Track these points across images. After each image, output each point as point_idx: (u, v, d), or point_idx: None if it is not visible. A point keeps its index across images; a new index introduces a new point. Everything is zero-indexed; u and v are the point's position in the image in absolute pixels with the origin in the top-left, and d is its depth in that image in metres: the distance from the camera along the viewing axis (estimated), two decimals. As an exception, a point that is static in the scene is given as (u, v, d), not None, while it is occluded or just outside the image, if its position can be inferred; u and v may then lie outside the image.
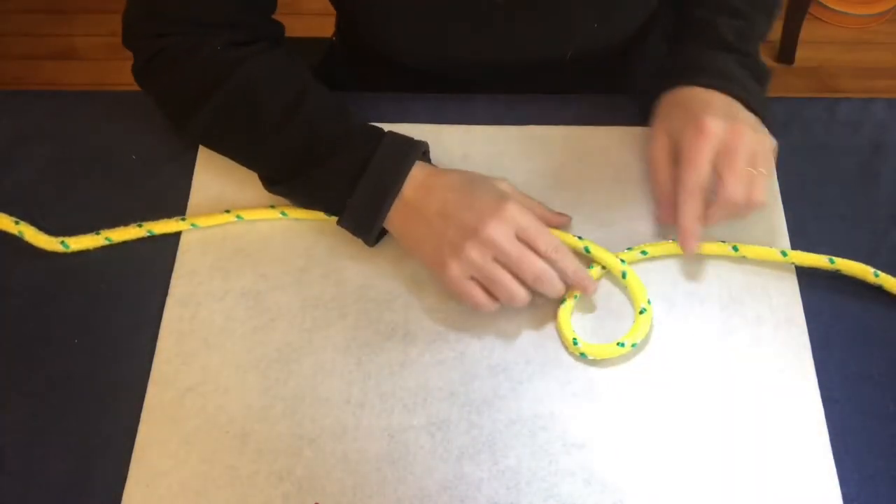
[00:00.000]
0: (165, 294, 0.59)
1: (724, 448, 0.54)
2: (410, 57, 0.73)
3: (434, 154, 0.65)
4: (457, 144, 0.66)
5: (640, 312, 0.57)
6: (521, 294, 0.55)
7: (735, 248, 0.60)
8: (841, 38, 1.79)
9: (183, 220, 0.62)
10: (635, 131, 0.66)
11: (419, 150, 0.58)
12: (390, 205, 0.56)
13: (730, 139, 0.56)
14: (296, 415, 0.55)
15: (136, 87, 0.65)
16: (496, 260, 0.54)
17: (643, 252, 0.60)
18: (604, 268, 0.60)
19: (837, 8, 1.77)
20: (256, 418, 0.55)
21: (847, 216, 0.63)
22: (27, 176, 0.65)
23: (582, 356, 0.56)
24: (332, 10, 0.87)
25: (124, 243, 0.62)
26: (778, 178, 0.65)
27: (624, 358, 0.57)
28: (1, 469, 0.53)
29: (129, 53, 0.63)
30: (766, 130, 0.59)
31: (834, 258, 0.59)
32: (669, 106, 0.62)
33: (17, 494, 0.52)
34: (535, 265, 0.54)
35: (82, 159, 0.66)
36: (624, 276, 0.58)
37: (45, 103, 0.70)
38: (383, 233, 0.59)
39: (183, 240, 0.62)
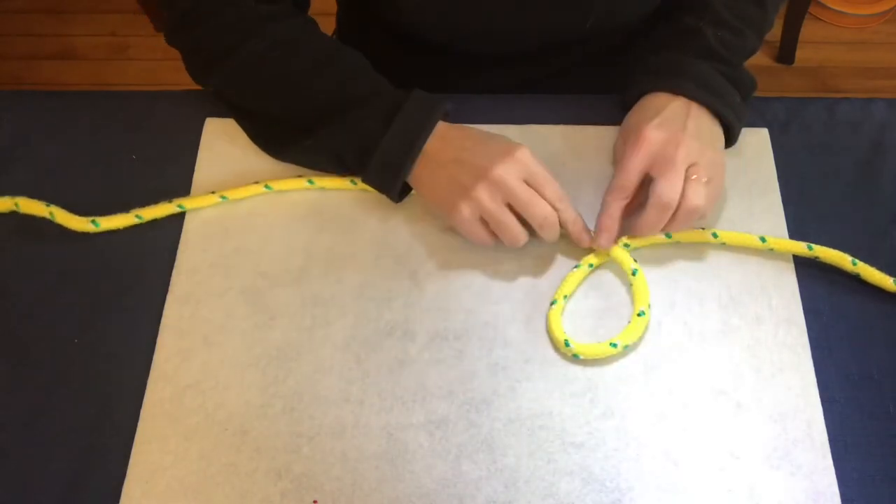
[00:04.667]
0: (165, 292, 0.59)
1: (723, 448, 0.54)
2: (424, 27, 0.71)
3: (434, 153, 0.65)
4: (457, 143, 0.66)
5: (639, 315, 0.57)
6: (524, 237, 0.58)
7: (715, 235, 0.60)
8: (841, 38, 1.79)
9: (213, 193, 0.63)
10: (635, 131, 0.66)
11: (446, 102, 0.60)
12: (421, 147, 0.58)
13: (667, 149, 0.58)
14: (295, 412, 0.55)
15: (136, 87, 0.65)
16: (505, 203, 0.57)
17: (625, 245, 0.60)
18: (592, 265, 0.60)
19: (837, 8, 1.77)
20: (255, 416, 0.55)
21: (847, 216, 0.63)
22: (27, 176, 0.65)
23: (575, 357, 0.56)
24: (332, 9, 0.87)
25: (125, 242, 0.62)
26: (778, 178, 0.65)
27: (623, 357, 0.57)
28: (1, 466, 0.53)
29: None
30: (718, 144, 0.61)
31: (812, 245, 0.59)
32: (635, 109, 0.64)
33: (17, 490, 0.52)
34: (542, 209, 0.57)
35: (82, 159, 0.66)
36: (634, 273, 0.59)
37: (45, 103, 0.70)
38: (406, 190, 0.61)
39: (183, 237, 0.62)
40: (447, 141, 0.59)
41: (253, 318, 0.58)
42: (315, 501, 0.52)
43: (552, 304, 0.58)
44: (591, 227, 0.62)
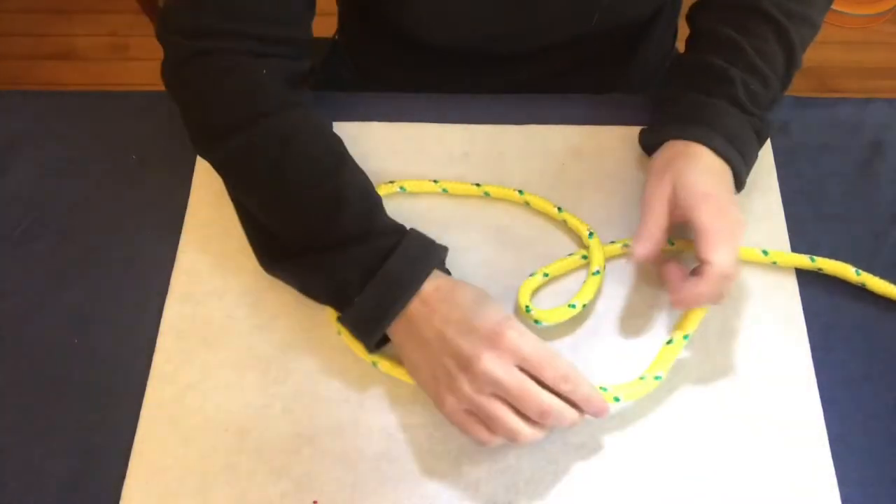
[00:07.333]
0: (165, 292, 0.59)
1: (724, 449, 0.54)
2: (428, 27, 0.70)
3: (434, 154, 0.66)
4: (457, 144, 0.66)
5: (594, 273, 0.58)
6: (525, 431, 0.49)
7: None
8: (841, 38, 1.79)
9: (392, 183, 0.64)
10: (635, 131, 0.66)
11: (439, 256, 0.54)
12: (399, 309, 0.52)
13: (733, 218, 0.55)
14: (295, 413, 0.55)
15: (136, 87, 0.65)
16: (494, 395, 0.49)
17: (626, 245, 0.60)
18: (585, 256, 0.60)
19: (837, 8, 1.77)
20: (255, 416, 0.55)
21: (847, 216, 0.63)
22: (26, 176, 0.65)
23: (536, 323, 0.56)
24: (332, 9, 0.87)
25: (124, 242, 0.62)
26: (778, 178, 0.65)
27: (623, 357, 0.57)
28: (1, 466, 0.53)
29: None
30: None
31: (815, 257, 0.59)
32: (676, 162, 0.58)
33: (17, 491, 0.52)
34: (536, 400, 0.48)
35: (82, 159, 0.66)
36: (596, 273, 0.58)
37: (45, 103, 0.70)
38: (385, 340, 0.55)
39: (183, 237, 0.62)
40: (433, 309, 0.51)
41: (253, 318, 0.58)
42: (315, 502, 0.52)
43: (530, 275, 0.58)
44: (593, 224, 0.61)
